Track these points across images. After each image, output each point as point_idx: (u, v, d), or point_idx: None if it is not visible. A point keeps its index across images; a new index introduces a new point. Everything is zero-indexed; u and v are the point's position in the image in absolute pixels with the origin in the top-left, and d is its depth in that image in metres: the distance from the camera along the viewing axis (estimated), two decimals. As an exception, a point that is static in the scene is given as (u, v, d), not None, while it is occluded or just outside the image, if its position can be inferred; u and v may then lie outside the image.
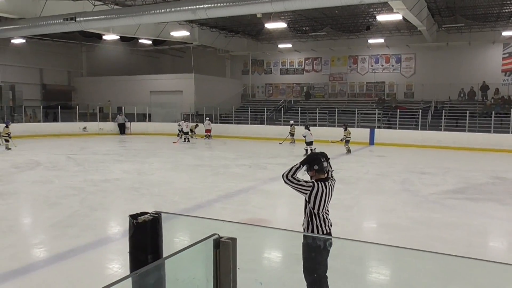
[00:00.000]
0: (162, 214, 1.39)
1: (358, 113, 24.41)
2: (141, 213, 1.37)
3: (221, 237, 1.31)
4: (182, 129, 22.99)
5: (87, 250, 5.90)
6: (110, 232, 7.14)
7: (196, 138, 24.23)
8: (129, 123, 27.55)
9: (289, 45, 29.37)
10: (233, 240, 1.31)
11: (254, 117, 27.59)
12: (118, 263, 5.57)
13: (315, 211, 3.99)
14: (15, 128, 22.40)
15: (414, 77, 27.88)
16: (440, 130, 21.85)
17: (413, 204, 8.98)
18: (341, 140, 18.16)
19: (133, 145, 21.39)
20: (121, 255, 5.88)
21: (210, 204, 8.65)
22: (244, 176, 12.05)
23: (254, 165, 14.17)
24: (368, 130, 22.67)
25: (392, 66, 28.66)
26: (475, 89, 25.48)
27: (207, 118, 25.65)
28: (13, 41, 26.37)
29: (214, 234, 1.30)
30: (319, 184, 3.97)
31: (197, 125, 25.08)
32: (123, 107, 28.51)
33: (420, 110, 23.35)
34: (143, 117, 28.97)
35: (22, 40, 26.31)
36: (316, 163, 4.01)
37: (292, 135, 22.32)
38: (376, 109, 25.07)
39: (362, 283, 4.94)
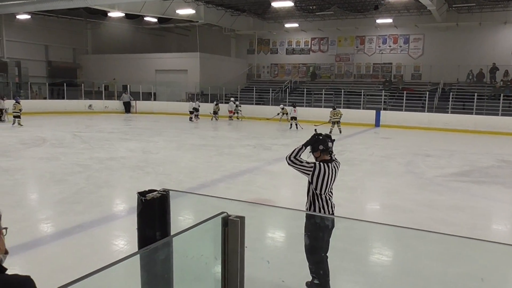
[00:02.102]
0: (170, 191, 1.39)
1: (364, 95, 24.24)
2: (149, 190, 1.37)
3: (230, 216, 1.31)
4: (198, 108, 23.18)
5: (93, 226, 5.97)
6: (115, 209, 7.22)
7: (217, 120, 24.07)
8: (135, 101, 27.54)
9: (296, 25, 28.99)
10: (242, 218, 1.32)
11: (259, 97, 27.45)
12: (124, 240, 5.65)
13: (318, 192, 4.01)
14: (21, 104, 22.50)
15: (422, 58, 27.52)
16: (447, 112, 21.68)
17: (417, 186, 8.98)
18: (329, 121, 18.06)
19: (138, 123, 21.43)
20: (126, 232, 5.96)
21: (214, 183, 8.69)
22: (249, 156, 12.08)
23: (258, 146, 14.18)
24: (373, 111, 22.55)
25: (400, 47, 28.27)
26: (484, 71, 25.12)
27: (232, 99, 25.02)
28: (18, 16, 26.22)
29: (222, 212, 1.31)
30: (322, 165, 3.99)
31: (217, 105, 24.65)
32: (128, 86, 28.45)
33: (427, 92, 23.13)
34: (148, 96, 28.93)
35: (28, 16, 26.15)
36: (321, 143, 4.04)
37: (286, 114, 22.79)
38: (383, 91, 24.85)
39: (364, 263, 4.99)
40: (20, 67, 27.80)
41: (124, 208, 7.19)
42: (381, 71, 28.68)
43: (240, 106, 24.64)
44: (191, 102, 23.61)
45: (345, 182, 8.76)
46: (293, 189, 8.56)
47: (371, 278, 4.62)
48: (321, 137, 4.13)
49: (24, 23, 27.57)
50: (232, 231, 1.29)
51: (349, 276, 4.66)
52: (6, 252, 1.53)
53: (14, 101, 18.78)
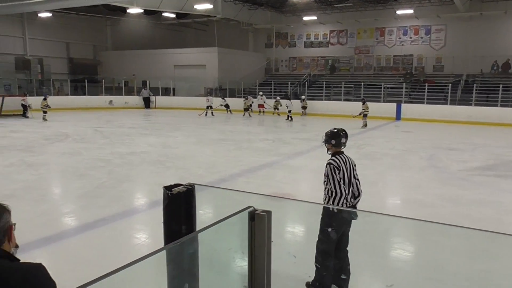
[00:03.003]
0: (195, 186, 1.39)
1: (384, 87, 23.89)
2: (175, 184, 1.37)
3: (256, 210, 1.30)
4: (226, 104, 23.32)
5: (115, 220, 6.05)
6: (136, 203, 7.30)
7: (231, 113, 24.09)
8: (154, 97, 27.80)
9: (314, 18, 28.71)
10: (268, 213, 1.30)
11: (278, 91, 27.35)
12: (146, 234, 5.71)
13: (333, 186, 4.00)
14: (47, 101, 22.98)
15: (444, 49, 26.92)
16: (471, 105, 21.20)
17: (440, 180, 8.81)
18: (360, 114, 18.00)
19: (158, 119, 21.62)
20: (147, 226, 6.03)
21: (233, 178, 8.70)
22: (268, 150, 12.05)
23: (277, 140, 14.13)
24: (394, 104, 22.22)
25: (421, 38, 27.71)
26: (510, 62, 24.41)
27: (261, 93, 24.86)
28: (40, 14, 26.72)
29: (249, 207, 1.30)
30: (336, 159, 3.99)
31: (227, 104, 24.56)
32: (147, 81, 28.72)
33: (450, 84, 22.64)
34: (167, 91, 29.15)
35: (49, 14, 26.61)
36: (334, 137, 4.08)
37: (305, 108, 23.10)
38: (403, 83, 24.45)
39: (386, 258, 4.92)
40: (43, 64, 28.36)
41: (145, 202, 7.27)
42: (402, 63, 28.19)
43: (278, 100, 23.92)
44: (209, 97, 23.70)
45: (366, 176, 8.64)
46: (313, 183, 8.50)
47: (393, 273, 4.55)
48: (335, 131, 4.10)
49: (45, 21, 28.07)
50: (258, 225, 1.28)
51: (370, 271, 4.61)
52: (17, 246, 1.59)
53: (43, 98, 19.52)
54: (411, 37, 27.99)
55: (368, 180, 8.43)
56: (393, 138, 15.22)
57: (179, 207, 1.31)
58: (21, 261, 1.52)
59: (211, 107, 22.89)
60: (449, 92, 21.98)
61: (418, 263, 4.99)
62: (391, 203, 7.60)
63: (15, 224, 1.59)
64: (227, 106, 23.90)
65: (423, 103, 22.56)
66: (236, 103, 24.92)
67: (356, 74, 28.94)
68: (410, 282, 4.31)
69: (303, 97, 23.75)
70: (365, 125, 17.62)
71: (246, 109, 23.08)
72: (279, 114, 22.41)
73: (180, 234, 1.28)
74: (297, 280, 3.95)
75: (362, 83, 24.58)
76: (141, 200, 7.51)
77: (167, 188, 1.35)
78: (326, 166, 4.01)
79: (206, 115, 22.62)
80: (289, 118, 20.76)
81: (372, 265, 4.60)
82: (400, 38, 28.30)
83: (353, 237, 4.52)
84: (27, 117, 20.30)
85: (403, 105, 22.24)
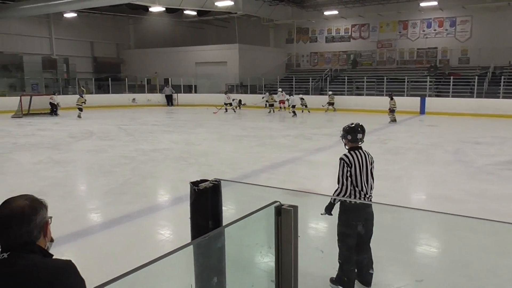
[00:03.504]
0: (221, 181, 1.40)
1: (407, 81, 23.47)
2: (201, 180, 1.39)
3: (283, 205, 1.30)
4: (233, 101, 23.35)
5: (140, 216, 6.15)
6: (160, 199, 7.40)
7: (273, 112, 23.78)
8: (176, 94, 28.08)
9: (335, 12, 28.40)
10: (295, 208, 1.30)
11: (299, 87, 27.21)
12: (169, 230, 5.78)
13: (339, 181, 3.99)
14: (69, 99, 23.54)
15: (470, 41, 26.23)
16: (498, 97, 20.63)
17: (467, 175, 8.62)
18: (389, 110, 17.69)
19: (180, 116, 21.83)
20: (171, 222, 6.11)
21: (256, 174, 8.71)
22: (290, 146, 12.01)
23: (300, 136, 14.07)
24: (418, 98, 21.81)
25: (446, 30, 27.07)
26: (539, 53, 23.63)
27: (280, 89, 24.53)
28: (65, 15, 27.32)
29: (275, 202, 1.30)
30: (350, 154, 3.95)
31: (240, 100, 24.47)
32: (169, 79, 29.02)
33: (476, 77, 22.07)
34: (189, 89, 29.39)
35: (74, 14, 27.17)
36: (350, 132, 4.04)
37: (332, 104, 22.54)
38: (428, 77, 23.97)
39: (412, 254, 4.85)
40: (68, 64, 29.02)
41: (169, 198, 7.36)
42: (426, 56, 27.62)
43: (304, 99, 23.04)
44: (228, 94, 23.83)
45: (390, 171, 8.54)
46: (336, 179, 8.42)
47: (419, 270, 4.48)
48: (352, 126, 4.06)
49: (71, 21, 28.67)
50: (285, 220, 1.28)
51: (396, 267, 4.55)
52: (52, 240, 1.63)
53: (79, 96, 20.68)
54: (435, 30, 27.38)
55: (392, 175, 8.33)
56: (417, 133, 14.96)
57: (205, 202, 1.33)
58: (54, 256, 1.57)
59: (230, 104, 22.98)
60: (476, 85, 21.43)
61: (446, 259, 4.90)
62: (416, 199, 7.48)
63: (51, 217, 1.62)
64: (239, 102, 23.79)
65: (448, 96, 22.08)
66: (256, 99, 24.91)
67: (378, 68, 28.52)
68: (439, 278, 4.24)
69: (330, 92, 23.40)
70: (393, 120, 17.35)
71: (271, 105, 22.85)
72: (302, 111, 22.20)
73: (207, 229, 1.30)
74: (323, 275, 3.95)
75: (385, 78, 24.22)
76: (164, 196, 7.61)
77: (194, 184, 1.37)
78: (338, 160, 3.99)
79: (226, 110, 22.72)
80: (294, 114, 20.61)
81: (398, 261, 4.55)
82: (424, 30, 27.72)
83: (379, 233, 4.47)
84: (57, 115, 20.83)
85: (427, 98, 21.81)
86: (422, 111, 21.44)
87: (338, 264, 3.92)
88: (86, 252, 4.89)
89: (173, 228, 5.84)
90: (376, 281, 3.95)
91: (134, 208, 6.45)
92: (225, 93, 24.37)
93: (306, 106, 22.33)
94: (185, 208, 5.54)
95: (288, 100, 21.83)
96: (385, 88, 23.36)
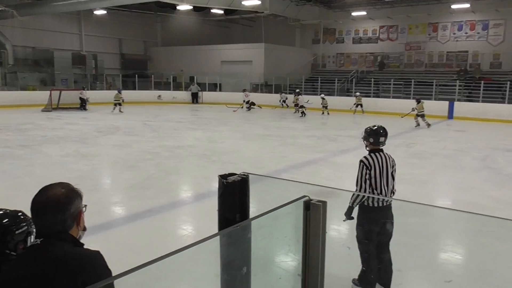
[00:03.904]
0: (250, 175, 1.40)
1: (436, 85, 22.98)
2: (229, 174, 1.40)
3: (311, 200, 1.30)
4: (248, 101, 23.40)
5: (163, 211, 6.22)
6: (183, 195, 7.46)
7: (259, 107, 24.10)
8: (201, 92, 28.33)
9: (363, 13, 28.07)
10: (324, 203, 1.30)
11: (324, 88, 27.01)
12: (192, 225, 5.83)
13: (357, 183, 3.95)
14: (97, 95, 24.07)
15: (503, 45, 25.47)
16: (531, 104, 19.96)
17: (496, 182, 8.37)
18: (415, 114, 17.13)
19: (204, 113, 21.98)
20: (193, 218, 6.15)
21: (278, 173, 8.69)
22: (313, 147, 11.94)
23: (323, 137, 13.97)
24: (446, 103, 21.31)
25: (478, 33, 26.37)
26: None
27: (297, 90, 24.19)
28: (95, 12, 27.91)
29: (304, 196, 1.30)
30: (370, 157, 3.90)
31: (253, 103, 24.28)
32: (195, 77, 29.27)
33: (509, 82, 21.40)
34: (213, 87, 29.58)
35: (104, 12, 27.74)
36: (372, 135, 3.98)
37: (360, 105, 22.21)
38: (457, 81, 23.41)
39: (436, 260, 4.74)
40: (97, 60, 29.64)
41: (192, 194, 7.42)
42: (456, 60, 26.98)
43: (324, 99, 22.58)
44: (247, 92, 23.94)
45: (415, 176, 8.39)
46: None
47: (444, 276, 4.38)
48: (374, 128, 3.99)
49: (100, 18, 29.28)
50: (314, 215, 1.28)
51: (419, 271, 4.46)
52: (85, 229, 1.66)
53: (117, 91, 21.48)
54: (466, 33, 26.71)
55: (418, 180, 8.18)
56: (444, 137, 14.63)
57: (233, 195, 1.34)
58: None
59: (248, 102, 23.20)
60: (507, 90, 20.78)
61: (471, 267, 4.77)
62: (442, 205, 7.31)
63: (85, 206, 1.67)
64: (252, 103, 23.84)
65: (478, 101, 21.50)
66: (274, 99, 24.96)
67: (406, 71, 28.02)
68: (463, 286, 4.14)
69: (357, 93, 23.06)
70: (418, 124, 16.90)
71: (299, 106, 22.59)
72: (323, 112, 21.94)
73: (234, 222, 1.30)
74: (350, 270, 3.92)
75: (413, 80, 23.78)
76: (187, 192, 7.67)
77: (223, 177, 1.38)
78: (358, 162, 3.94)
79: (244, 108, 22.94)
80: (302, 114, 20.57)
81: (420, 266, 4.45)
82: (454, 33, 27.09)
83: (402, 238, 4.39)
84: (86, 109, 21.31)
85: (456, 103, 21.29)
86: (450, 115, 20.95)
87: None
88: (110, 244, 4.97)
89: (195, 223, 5.88)
90: (396, 284, 3.89)
91: (157, 203, 6.53)
92: (243, 91, 24.45)
93: (326, 107, 21.90)
94: (207, 204, 5.58)
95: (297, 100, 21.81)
96: (412, 91, 22.93)
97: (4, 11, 23.42)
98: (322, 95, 22.63)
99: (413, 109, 17.25)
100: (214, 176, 8.69)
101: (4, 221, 1.80)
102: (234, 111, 22.43)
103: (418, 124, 16.92)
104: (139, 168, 8.80)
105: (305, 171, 9.03)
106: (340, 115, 21.68)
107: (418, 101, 17.15)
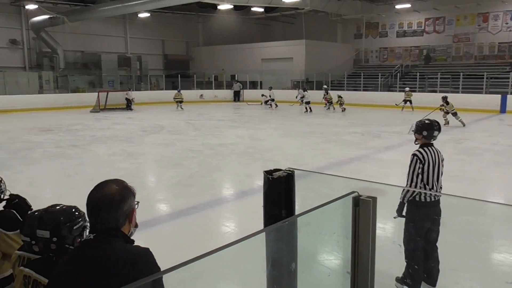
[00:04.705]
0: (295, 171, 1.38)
1: (487, 78, 21.90)
2: (274, 169, 1.37)
3: (361, 195, 1.25)
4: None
5: (206, 208, 6.29)
6: (226, 193, 7.52)
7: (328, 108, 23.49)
8: (242, 90, 28.53)
9: (408, 5, 27.16)
10: (374, 199, 1.25)
11: (367, 83, 26.43)
12: (234, 222, 5.86)
13: (408, 178, 3.85)
14: (141, 95, 24.77)
15: (561, 34, 23.93)
16: None
17: (555, 179, 7.86)
18: (445, 112, 15.32)
19: (246, 111, 22.09)
20: (236, 215, 6.19)
21: (321, 171, 8.56)
22: (357, 144, 11.70)
23: (367, 133, 13.66)
24: (498, 96, 20.26)
25: (532, 22, 24.91)
26: None
27: (325, 86, 24.13)
28: (139, 15, 28.73)
29: (353, 192, 1.26)
30: (424, 151, 3.79)
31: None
32: (236, 75, 29.49)
33: None
34: (254, 85, 29.70)
35: (147, 14, 28.50)
36: (426, 129, 3.86)
37: (409, 102, 21.09)
38: (510, 73, 22.20)
39: (487, 261, 4.51)
40: (141, 61, 30.52)
41: (234, 192, 7.47)
42: (508, 51, 25.59)
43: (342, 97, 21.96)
44: (272, 90, 24.02)
45: (465, 172, 8.04)
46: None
47: (495, 278, 4.16)
48: (428, 122, 3.86)
49: (144, 20, 30.12)
50: (363, 211, 1.23)
51: (468, 273, 4.26)
52: (136, 226, 1.69)
53: (177, 91, 23.10)
54: (520, 22, 25.29)
55: (468, 177, 7.83)
56: (496, 133, 13.92)
57: (279, 191, 1.31)
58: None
59: (273, 99, 23.30)
60: None
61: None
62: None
63: (138, 202, 1.71)
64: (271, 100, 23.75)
65: (533, 94, 20.32)
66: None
67: (454, 64, 26.91)
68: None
69: (407, 89, 22.15)
70: (448, 123, 14.95)
71: (330, 103, 22.22)
72: (344, 109, 21.32)
73: (280, 218, 1.28)
74: (400, 268, 3.81)
75: (461, 73, 22.78)
76: (230, 190, 7.73)
77: (268, 173, 1.35)
78: (411, 156, 3.84)
79: (275, 106, 23.16)
80: (307, 109, 20.52)
81: (470, 267, 4.25)
82: (507, 23, 25.68)
83: (451, 237, 4.21)
84: (131, 109, 22.00)
85: (509, 96, 20.19)
86: (503, 109, 19.88)
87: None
88: (155, 241, 5.07)
89: (238, 221, 5.91)
90: (453, 283, 3.74)
91: (200, 200, 6.62)
92: (270, 88, 24.40)
93: (341, 104, 21.25)
94: (250, 202, 5.58)
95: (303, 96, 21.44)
96: (461, 85, 21.98)
97: (56, 18, 24.60)
98: (339, 94, 21.84)
99: (441, 108, 15.49)
100: (256, 174, 8.71)
101: (62, 218, 1.89)
102: (291, 106, 22.25)
103: (448, 123, 14.95)
104: (183, 166, 8.96)
105: (349, 168, 8.87)
106: (384, 111, 21.12)
107: (447, 100, 15.40)
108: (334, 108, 21.47)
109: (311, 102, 21.02)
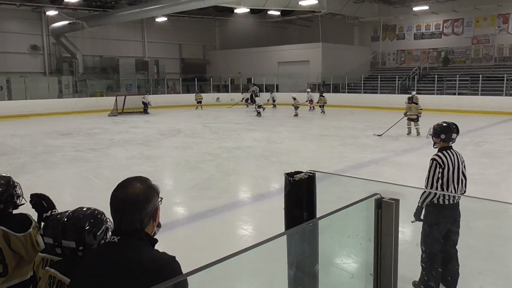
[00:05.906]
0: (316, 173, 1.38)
1: (507, 79, 21.49)
2: (295, 172, 1.38)
3: (383, 198, 1.25)
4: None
5: (224, 211, 6.31)
6: (243, 196, 7.54)
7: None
8: (259, 93, 28.53)
9: (426, 7, 26.86)
10: (396, 201, 1.25)
11: (384, 86, 26.20)
12: (252, 225, 5.87)
13: (428, 183, 3.82)
14: (159, 99, 25.01)
15: None
16: None
17: None
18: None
19: (262, 114, 22.07)
20: (253, 218, 6.19)
21: (338, 174, 8.52)
22: (374, 147, 11.60)
23: (384, 136, 13.52)
24: (519, 98, 19.88)
25: (555, 23, 24.37)
26: None
27: (308, 90, 24.05)
28: (157, 19, 29.09)
29: (375, 194, 1.25)
30: (443, 155, 3.76)
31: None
32: (252, 78, 29.55)
33: None
34: (271, 88, 29.70)
35: (165, 19, 28.84)
36: (444, 132, 3.83)
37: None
38: (531, 74, 21.75)
39: (508, 265, 4.41)
40: (158, 65, 30.86)
41: (251, 195, 7.47)
42: (530, 52, 25.10)
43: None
44: (275, 93, 24.16)
45: (486, 176, 7.89)
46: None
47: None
48: (445, 125, 3.81)
49: (161, 25, 30.47)
50: (386, 213, 1.23)
51: (491, 277, 4.17)
52: (159, 225, 1.68)
53: (196, 92, 24.84)
54: (541, 22, 24.79)
55: (489, 180, 7.68)
56: (518, 135, 13.64)
57: (300, 193, 1.31)
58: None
59: (274, 100, 24.10)
60: None
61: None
62: (517, 207, 6.80)
63: (161, 199, 1.65)
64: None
65: (556, 96, 19.85)
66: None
67: (473, 66, 26.49)
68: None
69: (413, 93, 22.01)
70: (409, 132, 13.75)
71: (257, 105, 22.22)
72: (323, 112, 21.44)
73: (302, 220, 1.28)
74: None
75: (481, 75, 22.40)
76: (247, 193, 7.74)
77: (289, 175, 1.36)
78: (430, 161, 3.81)
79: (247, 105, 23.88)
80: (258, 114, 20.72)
81: (490, 271, 4.17)
82: (528, 23, 25.21)
83: (473, 241, 4.13)
84: (148, 113, 22.23)
85: (530, 98, 19.80)
86: (524, 112, 19.49)
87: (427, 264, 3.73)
88: (173, 244, 5.10)
89: (255, 223, 5.92)
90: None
91: (218, 203, 6.65)
92: (271, 92, 25.09)
93: (321, 105, 21.42)
94: (267, 205, 5.57)
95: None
96: (480, 87, 21.61)
97: (75, 24, 25.08)
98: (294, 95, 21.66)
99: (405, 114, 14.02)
100: (273, 177, 8.68)
101: (85, 227, 1.90)
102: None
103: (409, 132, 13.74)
104: (200, 169, 9.01)
105: (366, 171, 8.80)
106: (401, 114, 20.83)
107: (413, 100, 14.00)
108: (313, 108, 22.41)
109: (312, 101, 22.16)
